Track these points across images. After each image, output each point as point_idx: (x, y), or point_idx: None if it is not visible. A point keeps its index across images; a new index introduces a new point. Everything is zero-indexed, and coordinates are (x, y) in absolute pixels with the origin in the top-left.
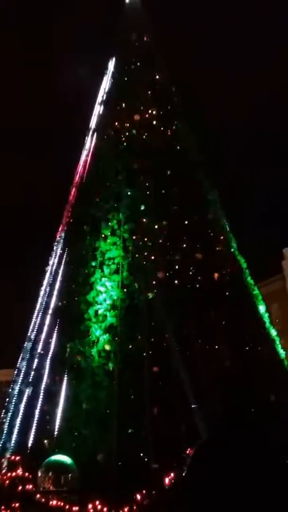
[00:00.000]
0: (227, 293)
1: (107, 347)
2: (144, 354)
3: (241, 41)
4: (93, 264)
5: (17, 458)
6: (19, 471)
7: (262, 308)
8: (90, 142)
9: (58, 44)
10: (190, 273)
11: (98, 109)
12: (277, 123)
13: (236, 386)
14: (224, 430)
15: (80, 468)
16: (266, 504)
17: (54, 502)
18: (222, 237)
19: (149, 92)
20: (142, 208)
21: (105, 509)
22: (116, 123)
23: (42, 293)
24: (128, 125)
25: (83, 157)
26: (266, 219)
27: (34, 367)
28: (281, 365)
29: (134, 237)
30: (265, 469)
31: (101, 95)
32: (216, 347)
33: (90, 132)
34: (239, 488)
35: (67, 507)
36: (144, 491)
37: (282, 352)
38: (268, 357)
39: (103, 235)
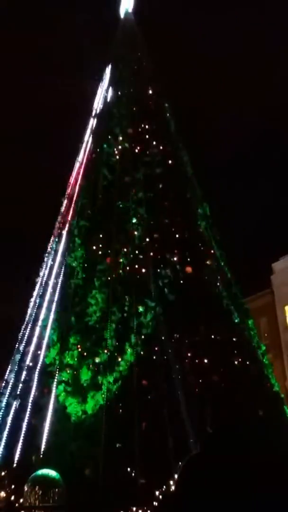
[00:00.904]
0: (216, 307)
1: (97, 360)
2: (134, 367)
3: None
4: (84, 276)
5: (3, 472)
6: (6, 486)
7: (250, 323)
8: (83, 154)
9: (54, 56)
10: (180, 286)
11: (91, 122)
12: (265, 136)
13: (225, 401)
14: (213, 445)
15: (67, 482)
16: None
17: None
18: (212, 251)
19: (143, 107)
20: (134, 221)
21: None
22: (109, 136)
23: (31, 304)
24: (121, 138)
25: (75, 169)
26: (255, 234)
27: (22, 380)
28: (269, 379)
29: (125, 250)
30: (254, 484)
31: (95, 108)
32: (205, 361)
33: (84, 145)
34: (228, 503)
35: None
36: (131, 507)
37: (269, 366)
38: (256, 371)
39: (94, 247)
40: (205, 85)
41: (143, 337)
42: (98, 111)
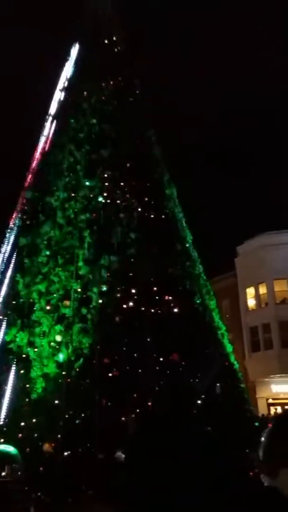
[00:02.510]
0: (179, 287)
1: (58, 338)
2: (95, 345)
3: (205, 41)
4: (47, 253)
5: None
6: None
7: (213, 303)
8: (49, 129)
9: (16, 24)
10: (144, 265)
11: (58, 95)
12: (234, 121)
13: (183, 378)
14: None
15: (26, 458)
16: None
17: None
18: (178, 232)
19: (112, 83)
20: (100, 199)
21: (48, 499)
22: (77, 112)
23: None
24: (88, 114)
25: (41, 144)
26: (222, 217)
27: None
28: (228, 358)
29: (90, 228)
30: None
31: (62, 81)
32: (166, 339)
33: (50, 119)
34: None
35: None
36: (89, 481)
37: (229, 346)
38: (217, 350)
39: (58, 224)
40: (177, 64)
41: (106, 315)
42: (65, 85)
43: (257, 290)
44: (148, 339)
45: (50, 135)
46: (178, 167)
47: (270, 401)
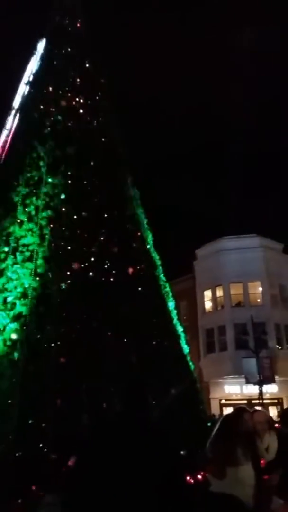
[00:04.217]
0: (139, 288)
1: (14, 336)
2: (52, 345)
3: (164, 37)
4: (6, 249)
5: None
6: None
7: (171, 305)
8: (11, 122)
9: None
10: (105, 266)
11: (23, 89)
12: (200, 126)
13: (140, 379)
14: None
15: None
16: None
17: None
18: (139, 233)
19: (78, 80)
20: (62, 196)
21: None
22: (41, 106)
23: None
24: (53, 110)
25: (2, 137)
26: (183, 221)
27: None
28: (185, 359)
29: (51, 225)
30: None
31: (27, 75)
32: (125, 340)
33: (13, 112)
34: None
35: None
36: (40, 482)
37: (186, 347)
38: (173, 351)
39: (18, 220)
40: (146, 64)
41: (64, 314)
42: (30, 79)
43: (214, 293)
44: (106, 339)
45: (13, 129)
46: (142, 168)
47: (223, 401)
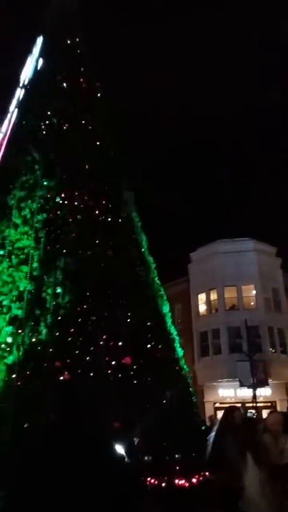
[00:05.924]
0: (134, 292)
1: (9, 340)
2: (48, 348)
3: (163, 43)
4: (1, 252)
5: None
6: None
7: (165, 308)
8: (7, 125)
9: None
10: (100, 269)
11: (19, 93)
12: (194, 131)
13: (135, 382)
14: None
15: None
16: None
17: None
18: (134, 237)
19: (73, 83)
20: (57, 200)
21: None
22: (37, 110)
23: None
24: (49, 113)
25: None
26: (178, 224)
27: None
28: (179, 362)
29: (46, 229)
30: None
31: (23, 79)
32: (119, 344)
33: (8, 116)
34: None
35: None
36: None
37: (180, 351)
38: (167, 354)
39: (14, 224)
40: (143, 71)
41: (59, 318)
42: (26, 82)
43: (208, 296)
44: (101, 343)
45: (8, 132)
46: (137, 172)
47: (217, 405)
